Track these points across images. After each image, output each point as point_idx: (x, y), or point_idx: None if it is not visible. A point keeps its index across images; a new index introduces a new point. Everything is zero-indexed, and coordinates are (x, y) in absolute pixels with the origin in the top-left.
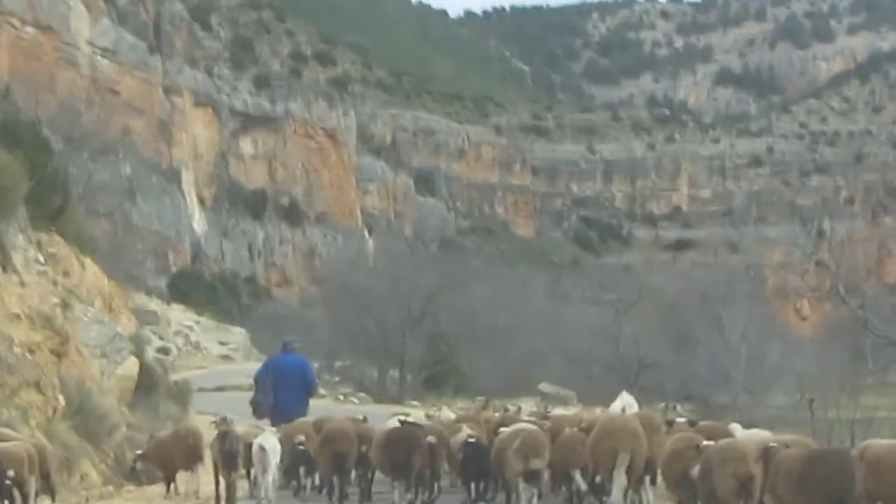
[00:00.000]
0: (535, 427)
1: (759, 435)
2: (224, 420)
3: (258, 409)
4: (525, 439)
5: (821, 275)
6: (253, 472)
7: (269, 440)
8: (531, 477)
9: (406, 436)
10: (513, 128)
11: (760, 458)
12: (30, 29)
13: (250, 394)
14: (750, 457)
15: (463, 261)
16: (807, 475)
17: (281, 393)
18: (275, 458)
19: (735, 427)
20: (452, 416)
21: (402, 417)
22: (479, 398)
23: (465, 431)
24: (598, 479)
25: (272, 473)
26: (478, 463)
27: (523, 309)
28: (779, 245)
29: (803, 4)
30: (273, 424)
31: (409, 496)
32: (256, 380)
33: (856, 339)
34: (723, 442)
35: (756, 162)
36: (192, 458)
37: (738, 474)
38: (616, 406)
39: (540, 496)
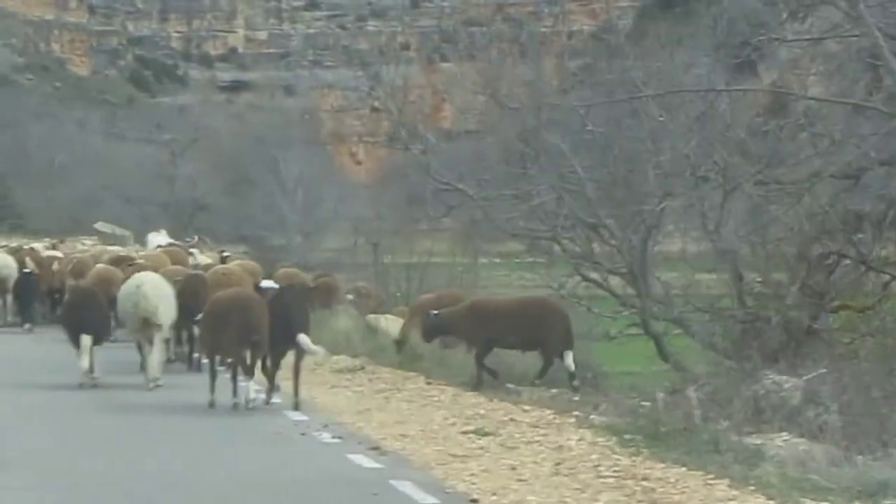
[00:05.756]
0: None
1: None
2: None
3: None
4: None
5: (377, 120)
6: None
7: None
8: None
9: None
10: None
11: None
12: None
13: None
14: None
15: (18, 98)
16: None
17: None
18: None
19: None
20: None
21: None
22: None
23: None
24: None
25: None
26: None
27: (79, 148)
28: (335, 89)
29: None
30: None
31: None
32: None
33: (411, 185)
34: None
35: (313, 5)
36: None
37: None
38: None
39: None
